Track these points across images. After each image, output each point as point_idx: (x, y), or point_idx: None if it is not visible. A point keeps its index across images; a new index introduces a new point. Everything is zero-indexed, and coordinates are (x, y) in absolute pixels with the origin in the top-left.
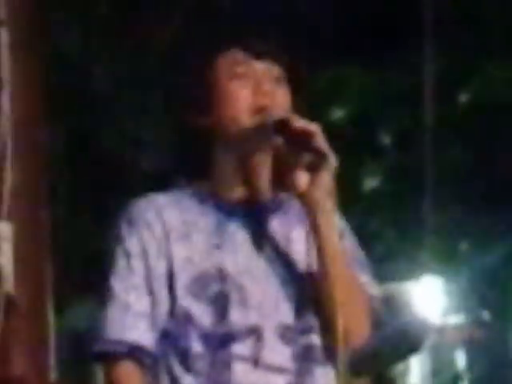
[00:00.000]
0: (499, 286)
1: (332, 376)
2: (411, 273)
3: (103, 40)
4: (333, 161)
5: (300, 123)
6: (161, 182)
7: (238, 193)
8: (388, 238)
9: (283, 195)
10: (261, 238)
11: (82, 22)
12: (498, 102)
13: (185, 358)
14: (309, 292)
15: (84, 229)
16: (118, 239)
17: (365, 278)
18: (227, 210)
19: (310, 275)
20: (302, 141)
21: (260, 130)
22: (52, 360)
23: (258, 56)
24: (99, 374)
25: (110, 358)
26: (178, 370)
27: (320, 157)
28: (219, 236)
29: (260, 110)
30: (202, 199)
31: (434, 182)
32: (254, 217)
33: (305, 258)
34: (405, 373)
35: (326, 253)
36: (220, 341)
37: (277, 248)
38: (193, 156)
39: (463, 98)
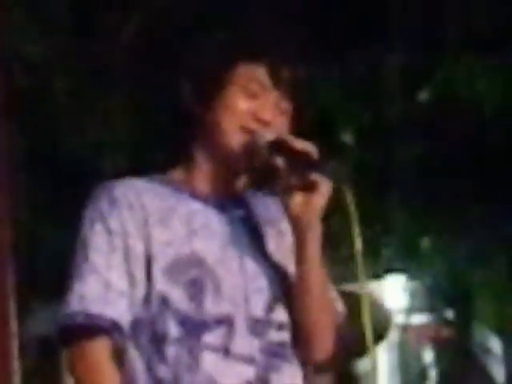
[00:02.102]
0: (463, 284)
1: (299, 376)
2: (374, 272)
3: (64, 41)
4: (329, 185)
5: (299, 143)
6: None
7: (212, 184)
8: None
9: (254, 192)
10: (235, 228)
11: (43, 22)
12: (459, 98)
13: (160, 345)
14: (281, 290)
15: (46, 232)
16: (99, 216)
17: (332, 294)
18: (203, 199)
19: (282, 275)
20: (299, 161)
21: (250, 151)
22: (16, 365)
23: (277, 83)
24: (65, 377)
25: (89, 332)
26: (152, 358)
27: (317, 179)
28: (196, 223)
29: (251, 134)
30: (176, 188)
31: (395, 179)
32: (228, 208)
33: (277, 256)
34: (373, 370)
35: (308, 272)
36: (194, 327)
37: (249, 241)
38: (173, 144)
39: (424, 94)
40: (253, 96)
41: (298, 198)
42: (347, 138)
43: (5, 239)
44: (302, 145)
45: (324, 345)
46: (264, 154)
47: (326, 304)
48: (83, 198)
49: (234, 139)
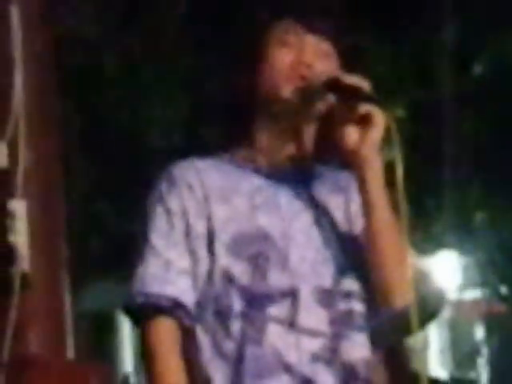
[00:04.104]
0: None
1: (367, 344)
2: (426, 248)
3: (116, 18)
4: (383, 117)
5: (349, 78)
6: (174, 160)
7: (276, 158)
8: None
9: (320, 165)
10: (300, 201)
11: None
12: None
13: (225, 320)
14: (349, 258)
15: (98, 207)
16: (159, 198)
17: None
18: (266, 173)
19: (351, 242)
20: (353, 96)
21: (304, 97)
22: (69, 338)
23: (311, 30)
24: (118, 352)
25: (150, 312)
26: (219, 334)
27: (371, 111)
28: (259, 198)
29: (299, 79)
30: (239, 165)
31: (448, 155)
32: (293, 181)
33: (344, 225)
34: (424, 347)
35: (375, 209)
36: (258, 301)
37: (316, 212)
38: (232, 122)
39: (477, 69)
40: (290, 45)
41: (353, 133)
42: (400, 112)
43: (58, 213)
44: (352, 79)
45: (404, 289)
46: (315, 97)
47: (399, 246)
48: (136, 174)
49: (289, 89)
